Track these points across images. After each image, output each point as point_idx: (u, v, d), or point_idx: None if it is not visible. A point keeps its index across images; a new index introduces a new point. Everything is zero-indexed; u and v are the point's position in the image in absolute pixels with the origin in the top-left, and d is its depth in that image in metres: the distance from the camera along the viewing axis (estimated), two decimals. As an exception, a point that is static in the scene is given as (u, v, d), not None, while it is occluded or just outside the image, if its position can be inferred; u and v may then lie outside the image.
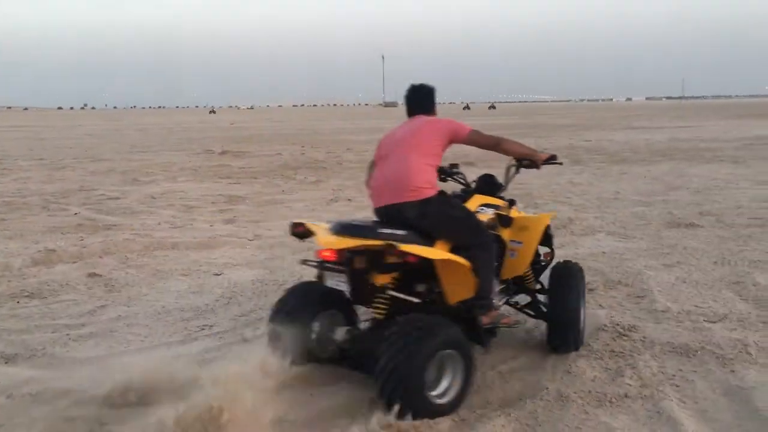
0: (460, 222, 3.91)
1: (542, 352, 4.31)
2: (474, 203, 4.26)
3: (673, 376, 3.93)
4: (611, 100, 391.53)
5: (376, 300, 3.73)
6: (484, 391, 3.76)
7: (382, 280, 3.66)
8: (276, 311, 3.95)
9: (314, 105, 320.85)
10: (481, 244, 3.86)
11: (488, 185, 4.53)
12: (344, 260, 3.59)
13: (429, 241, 3.73)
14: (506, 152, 4.24)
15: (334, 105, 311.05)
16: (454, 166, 4.76)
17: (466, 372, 3.51)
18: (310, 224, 3.72)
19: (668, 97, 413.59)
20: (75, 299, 5.69)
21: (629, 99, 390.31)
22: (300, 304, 3.91)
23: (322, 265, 3.74)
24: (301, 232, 3.71)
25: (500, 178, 4.62)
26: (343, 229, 3.63)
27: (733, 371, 3.99)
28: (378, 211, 3.95)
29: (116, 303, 5.60)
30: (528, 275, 4.53)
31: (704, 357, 4.21)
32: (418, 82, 4.33)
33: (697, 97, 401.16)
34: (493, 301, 3.94)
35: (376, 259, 3.56)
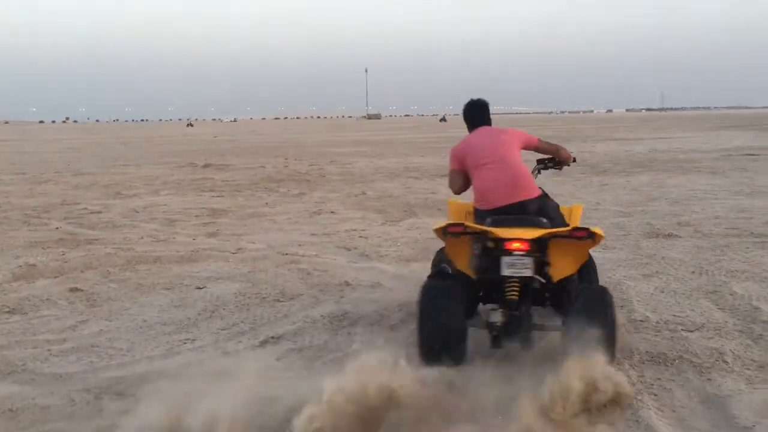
0: (559, 213, 4.71)
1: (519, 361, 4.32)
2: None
3: (652, 384, 3.98)
4: (592, 111, 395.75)
5: (509, 283, 4.10)
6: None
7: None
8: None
9: (297, 117, 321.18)
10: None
11: None
12: (534, 249, 4.07)
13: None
14: (562, 156, 5.18)
15: (318, 117, 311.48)
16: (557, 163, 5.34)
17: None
18: (470, 224, 4.30)
19: (648, 109, 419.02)
20: (56, 314, 5.65)
21: (610, 111, 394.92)
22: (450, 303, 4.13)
23: (508, 254, 4.07)
24: (459, 231, 4.20)
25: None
26: (514, 221, 4.23)
27: (710, 379, 4.05)
28: (497, 210, 4.48)
29: (98, 317, 5.57)
30: None
31: (682, 366, 4.27)
32: (476, 97, 5.08)
33: (677, 109, 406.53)
34: None
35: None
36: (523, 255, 4.06)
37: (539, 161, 5.29)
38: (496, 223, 4.21)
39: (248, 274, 6.98)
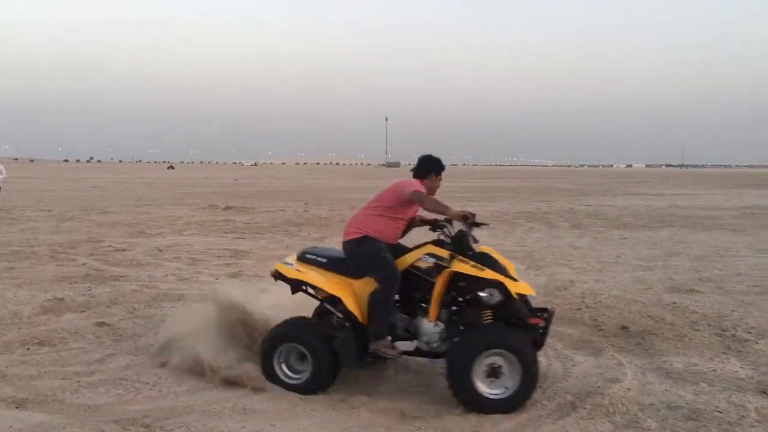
0: (366, 258, 4.86)
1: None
2: (420, 252, 4.86)
3: (675, 437, 3.98)
4: (611, 166, 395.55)
5: None
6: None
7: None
8: None
9: (317, 163, 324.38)
10: (378, 277, 4.76)
11: (457, 239, 4.87)
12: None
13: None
14: (428, 209, 4.90)
15: (336, 164, 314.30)
16: (448, 221, 5.07)
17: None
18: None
19: (668, 165, 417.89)
20: (84, 347, 5.77)
21: (629, 165, 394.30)
22: None
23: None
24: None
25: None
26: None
27: (735, 435, 4.04)
28: None
29: (124, 352, 5.68)
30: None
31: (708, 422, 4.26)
32: (427, 153, 5.23)
33: (697, 166, 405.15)
34: (381, 331, 4.69)
35: None
36: None
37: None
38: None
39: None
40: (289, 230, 15.83)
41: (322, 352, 4.76)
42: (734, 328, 6.64)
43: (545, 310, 4.92)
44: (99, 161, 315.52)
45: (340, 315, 4.90)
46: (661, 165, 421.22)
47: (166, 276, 9.34)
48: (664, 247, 13.09)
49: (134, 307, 7.32)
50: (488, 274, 4.55)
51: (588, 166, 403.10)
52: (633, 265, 10.65)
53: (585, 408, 4.43)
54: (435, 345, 4.74)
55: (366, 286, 4.82)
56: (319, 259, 5.04)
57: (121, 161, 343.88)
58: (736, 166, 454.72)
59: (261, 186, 43.13)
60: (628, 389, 4.80)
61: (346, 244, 4.98)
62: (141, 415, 4.26)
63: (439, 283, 4.69)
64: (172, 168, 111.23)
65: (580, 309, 7.37)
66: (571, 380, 5.02)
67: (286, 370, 4.87)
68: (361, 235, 4.92)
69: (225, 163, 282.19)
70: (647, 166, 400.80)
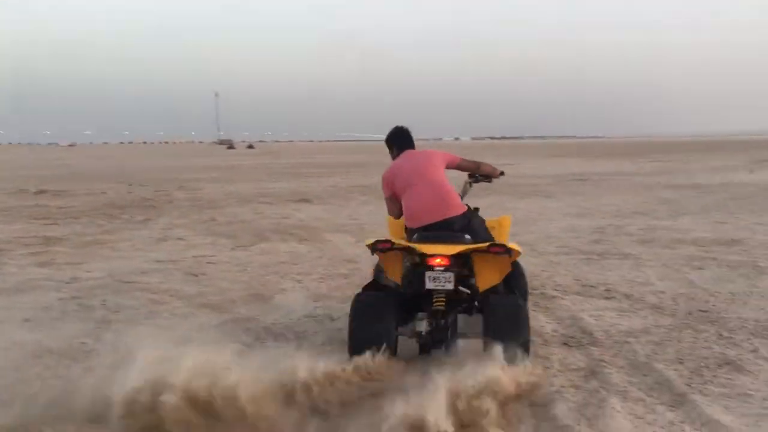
0: (484, 228, 4.89)
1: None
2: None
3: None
4: (440, 139, 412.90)
5: (436, 296, 4.36)
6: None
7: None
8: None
9: (144, 142, 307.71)
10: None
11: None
12: (453, 264, 4.31)
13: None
14: (484, 172, 5.48)
15: (166, 143, 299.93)
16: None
17: None
18: (397, 240, 4.55)
19: (491, 137, 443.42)
20: None
21: (457, 138, 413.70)
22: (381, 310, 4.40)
23: (431, 269, 4.32)
24: (387, 247, 4.40)
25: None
26: (438, 238, 4.45)
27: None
28: (425, 227, 4.68)
29: None
30: None
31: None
32: (400, 124, 5.32)
33: (516, 137, 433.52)
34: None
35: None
36: (444, 270, 4.32)
37: (469, 176, 5.57)
38: (421, 240, 4.48)
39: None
40: (110, 213, 14.83)
41: None
42: (543, 286, 7.16)
43: None
44: None
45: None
46: (485, 137, 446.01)
47: (-40, 270, 8.36)
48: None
49: None
50: None
51: (421, 139, 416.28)
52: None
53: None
54: None
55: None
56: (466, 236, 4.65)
57: None
58: (550, 137, 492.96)
59: (80, 168, 40.11)
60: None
61: (465, 216, 4.80)
62: None
63: None
64: None
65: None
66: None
67: None
68: (465, 207, 4.87)
69: (39, 144, 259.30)
70: (473, 138, 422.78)
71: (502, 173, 5.61)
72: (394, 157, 5.24)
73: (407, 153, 5.15)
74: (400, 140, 5.25)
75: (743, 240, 9.95)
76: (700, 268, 7.96)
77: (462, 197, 5.20)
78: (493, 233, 5.00)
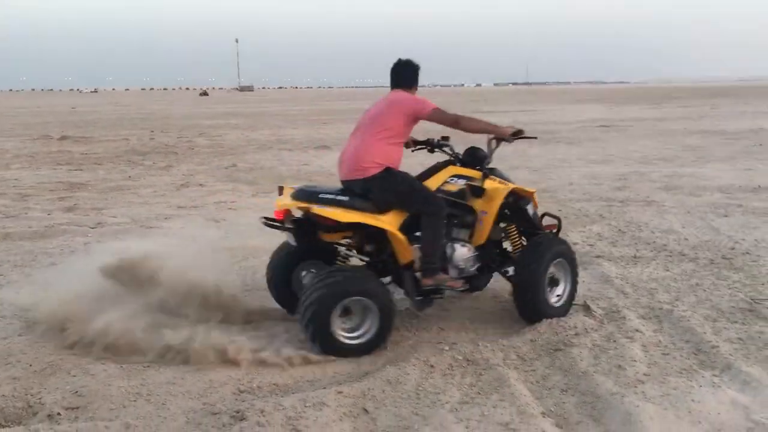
0: (404, 194, 4.26)
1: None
2: (445, 174, 4.52)
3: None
4: (462, 85, 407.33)
5: (337, 258, 4.37)
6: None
7: (329, 238, 4.25)
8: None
9: (164, 89, 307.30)
10: (427, 212, 4.23)
11: (471, 157, 4.65)
12: (288, 220, 4.14)
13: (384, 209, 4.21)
14: (465, 129, 4.36)
15: (187, 89, 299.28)
16: (445, 138, 4.81)
17: (380, 320, 4.01)
18: (287, 187, 4.34)
19: (514, 83, 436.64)
20: None
21: (479, 84, 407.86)
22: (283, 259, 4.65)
23: (272, 224, 4.25)
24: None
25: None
26: (297, 193, 4.18)
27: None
28: (342, 183, 4.36)
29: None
30: (516, 244, 4.76)
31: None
32: (405, 57, 4.62)
33: (541, 83, 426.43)
34: (436, 265, 4.25)
35: (316, 221, 4.07)
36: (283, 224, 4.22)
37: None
38: (294, 193, 4.21)
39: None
40: (133, 159, 14.95)
41: (389, 301, 4.08)
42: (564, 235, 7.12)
43: (556, 216, 4.96)
44: None
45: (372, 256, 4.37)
46: (508, 83, 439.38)
47: (-12, 214, 8.51)
48: (505, 161, 13.70)
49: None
50: (528, 188, 4.68)
51: (441, 86, 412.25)
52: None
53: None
54: (471, 271, 4.48)
55: (395, 219, 4.22)
56: (339, 198, 4.12)
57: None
58: (575, 82, 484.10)
59: (102, 114, 40.24)
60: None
61: (367, 181, 4.19)
62: (-44, 366, 3.89)
63: (497, 204, 4.43)
64: None
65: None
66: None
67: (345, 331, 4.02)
68: (383, 167, 4.22)
69: (61, 90, 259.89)
70: (495, 84, 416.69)
71: (517, 133, 4.50)
72: None
73: (387, 94, 4.54)
74: (392, 76, 4.60)
75: (769, 187, 9.78)
76: (725, 215, 7.87)
77: (488, 157, 4.59)
78: (486, 205, 4.46)
